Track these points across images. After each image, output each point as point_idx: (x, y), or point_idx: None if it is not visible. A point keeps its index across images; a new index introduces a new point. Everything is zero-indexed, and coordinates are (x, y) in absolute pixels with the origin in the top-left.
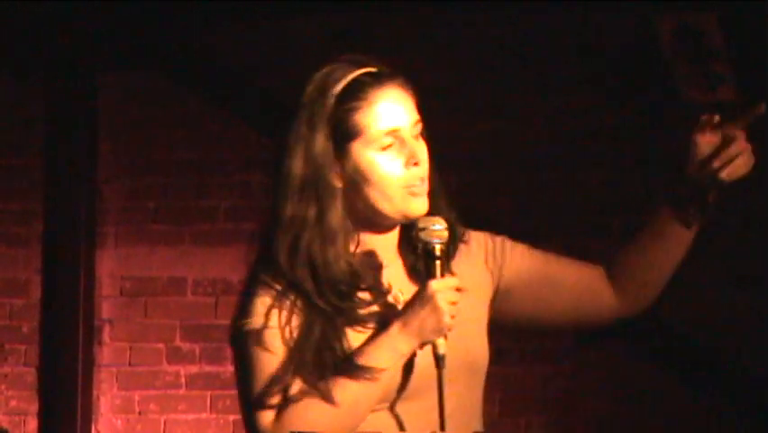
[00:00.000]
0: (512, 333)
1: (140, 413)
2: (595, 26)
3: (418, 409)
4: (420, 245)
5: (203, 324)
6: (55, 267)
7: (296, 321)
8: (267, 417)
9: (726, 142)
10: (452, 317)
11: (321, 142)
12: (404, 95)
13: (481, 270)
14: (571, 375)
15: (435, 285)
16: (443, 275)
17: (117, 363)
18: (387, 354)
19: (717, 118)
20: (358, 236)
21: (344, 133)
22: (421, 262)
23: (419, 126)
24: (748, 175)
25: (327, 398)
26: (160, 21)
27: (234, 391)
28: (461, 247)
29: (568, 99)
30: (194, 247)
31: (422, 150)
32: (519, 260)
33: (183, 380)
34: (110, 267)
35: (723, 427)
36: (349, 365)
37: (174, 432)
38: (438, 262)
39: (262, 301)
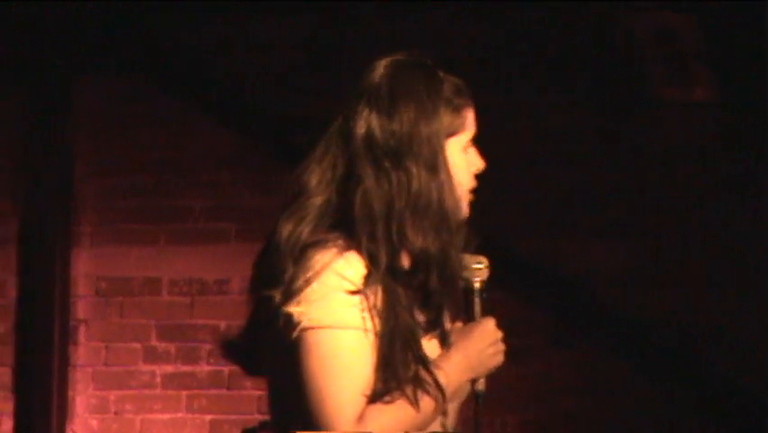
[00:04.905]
0: None
1: (115, 413)
2: (568, 25)
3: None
4: (462, 283)
5: (178, 324)
6: (31, 267)
7: (377, 316)
8: (351, 415)
9: None
10: None
11: (439, 124)
12: None
13: None
14: (543, 375)
15: (494, 324)
16: (482, 313)
17: (93, 363)
18: (451, 379)
19: None
20: None
21: (448, 126)
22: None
23: None
24: None
25: (408, 406)
26: (135, 22)
27: (210, 391)
28: None
29: (539, 98)
30: (169, 247)
31: None
32: None
33: (158, 379)
34: (85, 267)
35: (693, 424)
36: (426, 379)
37: (149, 432)
38: (478, 300)
39: (343, 298)
